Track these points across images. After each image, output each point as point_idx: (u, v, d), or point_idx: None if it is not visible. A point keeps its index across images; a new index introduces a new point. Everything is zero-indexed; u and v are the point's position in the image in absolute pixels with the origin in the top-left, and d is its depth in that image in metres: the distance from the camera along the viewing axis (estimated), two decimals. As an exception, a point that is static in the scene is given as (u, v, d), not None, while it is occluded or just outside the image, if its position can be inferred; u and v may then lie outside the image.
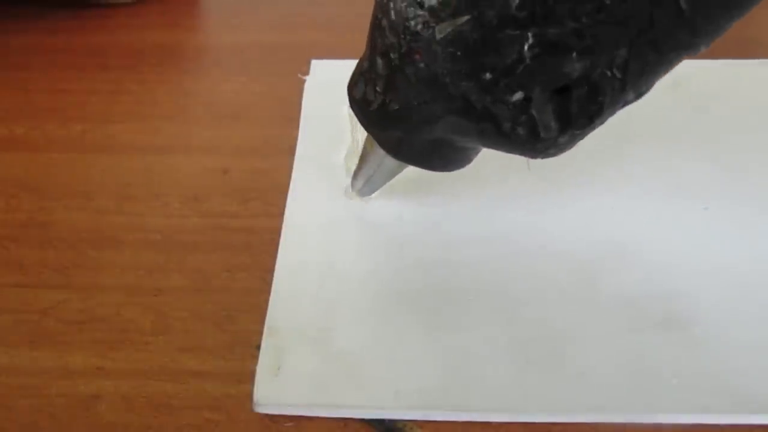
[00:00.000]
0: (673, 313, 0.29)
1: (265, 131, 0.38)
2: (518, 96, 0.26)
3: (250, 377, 0.27)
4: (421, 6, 0.26)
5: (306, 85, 0.40)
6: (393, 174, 0.32)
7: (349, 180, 0.34)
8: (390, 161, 0.31)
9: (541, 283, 0.30)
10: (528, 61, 0.25)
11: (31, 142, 0.38)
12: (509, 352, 0.28)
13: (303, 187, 0.34)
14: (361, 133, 0.33)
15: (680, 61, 0.26)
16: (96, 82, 0.41)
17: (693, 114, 0.38)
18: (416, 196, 0.34)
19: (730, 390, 0.27)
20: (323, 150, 0.36)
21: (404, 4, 0.26)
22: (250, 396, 0.27)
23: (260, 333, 0.29)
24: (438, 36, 0.26)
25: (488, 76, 0.26)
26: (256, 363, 0.28)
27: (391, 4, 0.27)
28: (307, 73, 0.40)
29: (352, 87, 0.30)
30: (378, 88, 0.28)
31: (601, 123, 0.27)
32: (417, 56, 0.27)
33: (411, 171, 0.33)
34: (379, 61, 0.28)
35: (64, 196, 0.35)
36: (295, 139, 0.37)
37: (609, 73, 0.26)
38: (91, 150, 0.37)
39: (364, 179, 0.33)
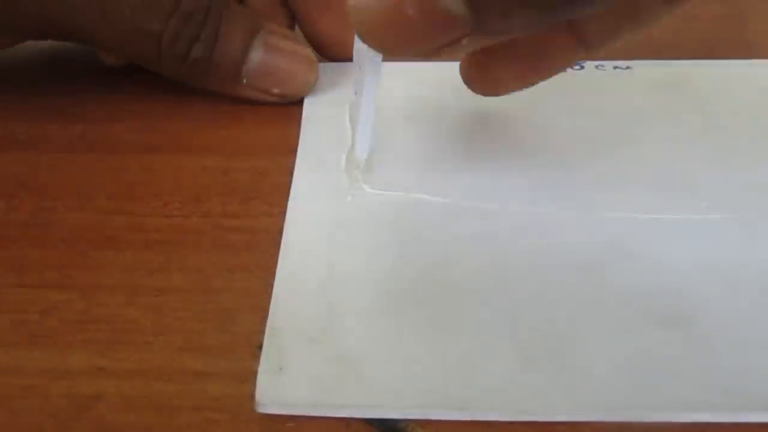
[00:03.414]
0: (674, 311, 0.29)
1: (265, 131, 0.38)
2: None
3: (251, 377, 0.27)
4: None
5: (307, 86, 0.40)
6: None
7: (349, 180, 0.34)
8: None
9: (542, 282, 0.30)
10: None
11: (31, 142, 0.38)
12: (511, 351, 0.28)
13: (304, 187, 0.34)
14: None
15: None
16: (96, 82, 0.41)
17: (693, 114, 0.38)
18: (417, 196, 0.34)
19: (731, 389, 0.27)
20: (324, 150, 0.36)
21: None
22: (251, 396, 0.27)
23: (261, 333, 0.29)
24: None
25: None
26: (257, 363, 0.28)
27: None
28: (307, 73, 0.40)
29: None
30: None
31: None
32: None
33: (413, 169, 0.33)
34: None
35: (64, 196, 0.35)
36: (296, 139, 0.37)
37: None
38: (91, 150, 0.37)
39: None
